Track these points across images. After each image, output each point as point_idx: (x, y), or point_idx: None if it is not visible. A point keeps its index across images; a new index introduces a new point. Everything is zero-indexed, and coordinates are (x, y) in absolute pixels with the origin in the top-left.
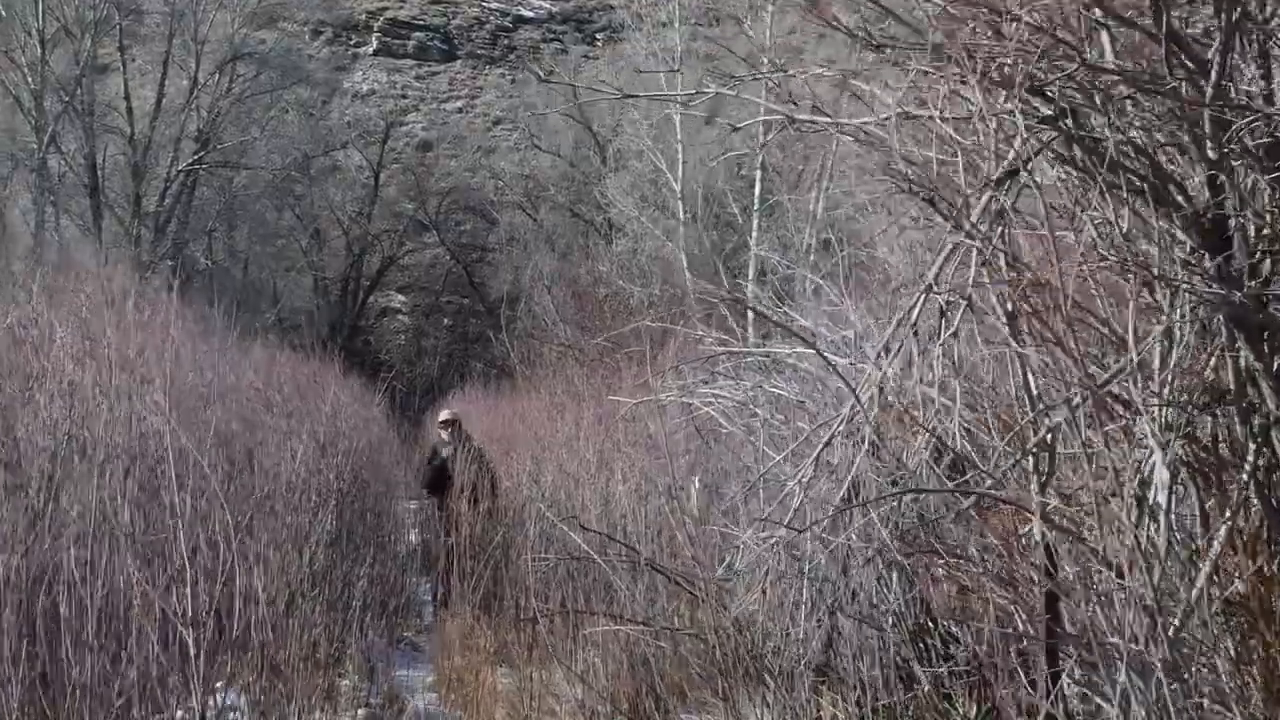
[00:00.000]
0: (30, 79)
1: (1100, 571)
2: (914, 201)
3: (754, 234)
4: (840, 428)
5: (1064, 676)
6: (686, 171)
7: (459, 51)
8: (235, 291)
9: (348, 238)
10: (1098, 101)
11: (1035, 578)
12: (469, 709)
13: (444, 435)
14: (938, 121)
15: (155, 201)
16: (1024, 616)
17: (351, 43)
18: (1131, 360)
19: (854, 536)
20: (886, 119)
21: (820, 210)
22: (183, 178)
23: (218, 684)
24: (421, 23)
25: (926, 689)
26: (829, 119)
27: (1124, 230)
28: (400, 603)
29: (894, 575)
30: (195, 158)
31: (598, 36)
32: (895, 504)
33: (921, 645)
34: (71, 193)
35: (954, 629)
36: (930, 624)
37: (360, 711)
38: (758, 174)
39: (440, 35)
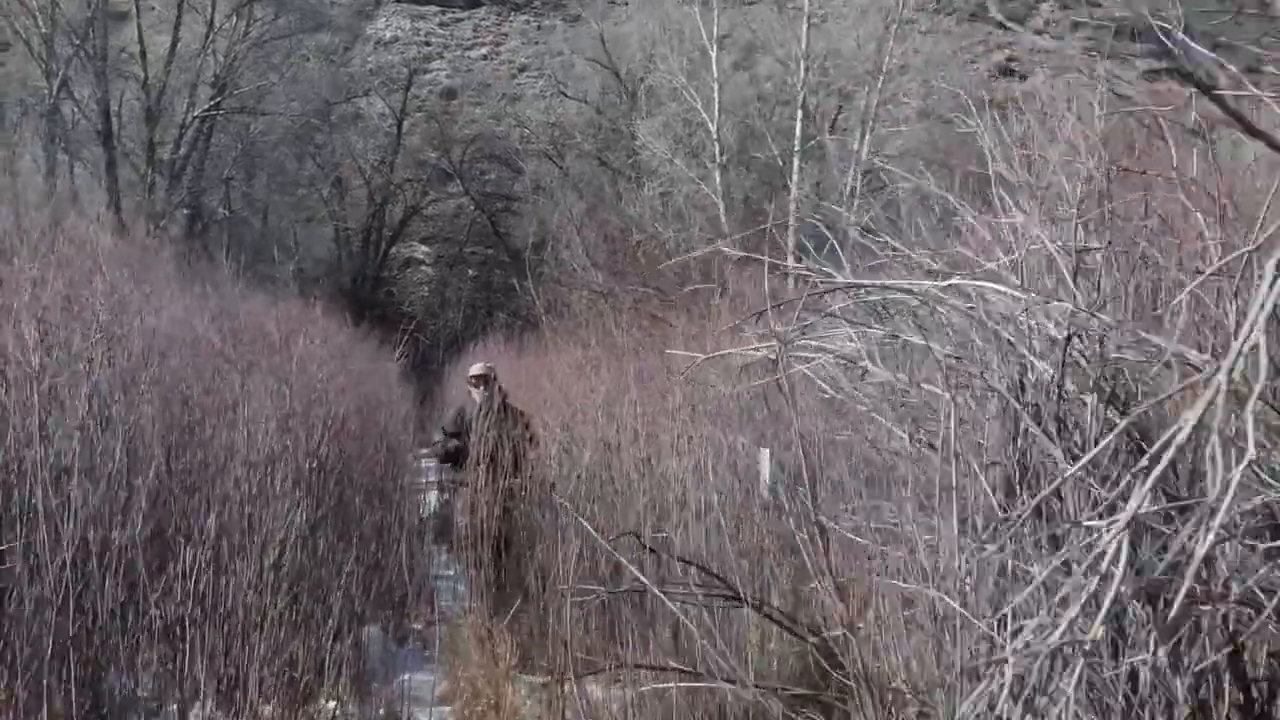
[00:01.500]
0: (41, 23)
1: None
2: None
3: (794, 176)
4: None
5: None
6: (723, 112)
7: None
8: (254, 242)
9: (370, 187)
10: None
11: None
12: None
13: (475, 394)
14: None
15: (170, 149)
16: None
17: None
18: None
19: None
20: None
21: (864, 152)
22: (199, 124)
23: None
24: None
25: None
26: None
27: None
28: (408, 592)
29: None
30: (212, 103)
31: None
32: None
33: None
34: (84, 140)
35: None
36: None
37: None
38: (798, 114)
39: None
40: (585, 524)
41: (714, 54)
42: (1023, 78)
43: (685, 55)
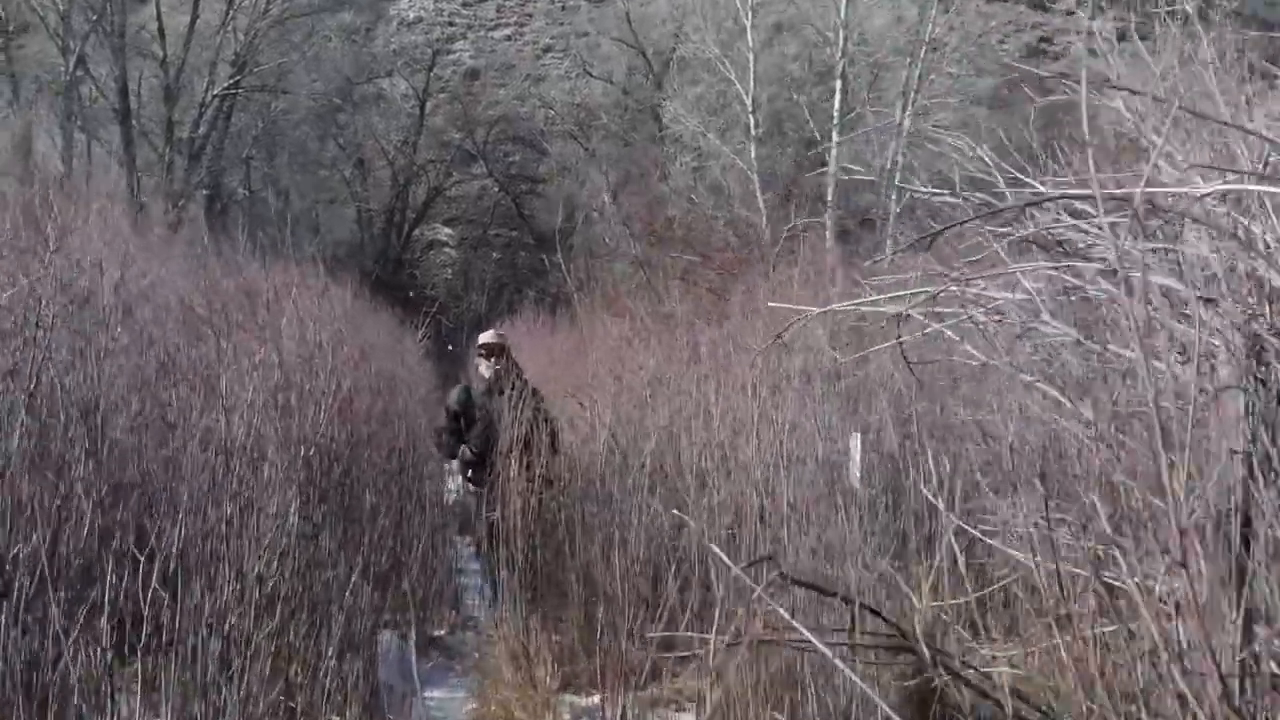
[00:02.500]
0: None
1: None
2: None
3: (833, 150)
4: None
5: None
6: (758, 83)
7: None
8: (274, 222)
9: (393, 168)
10: None
11: None
12: None
13: (484, 368)
14: None
15: (189, 128)
16: None
17: None
18: None
19: None
20: None
21: (908, 123)
22: (218, 103)
23: None
24: None
25: None
26: None
27: None
28: (429, 593)
29: None
30: (231, 81)
31: None
32: None
33: None
34: (101, 119)
35: None
36: None
37: None
38: (837, 84)
39: None
40: (717, 550)
41: (749, 22)
42: (1056, 57)
43: (719, 24)
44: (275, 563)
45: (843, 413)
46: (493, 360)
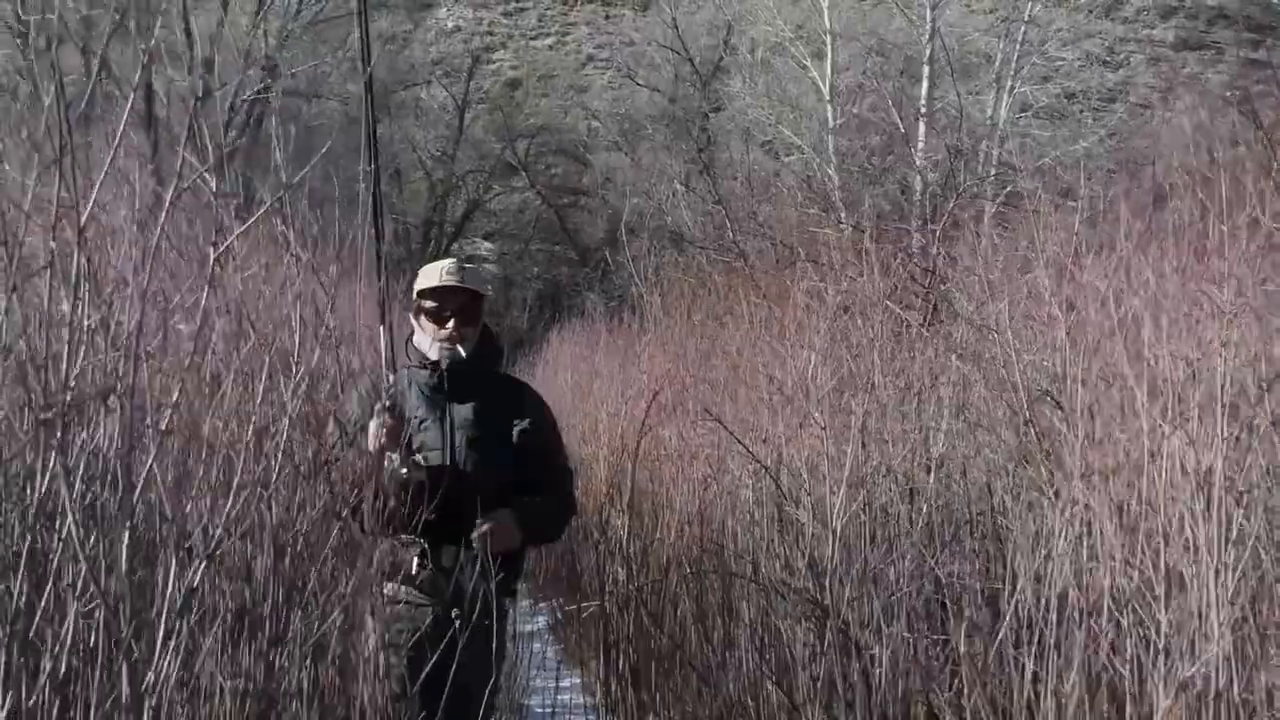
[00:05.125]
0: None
1: None
2: None
3: (920, 144)
4: None
5: None
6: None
7: None
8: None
9: (431, 179)
10: None
11: None
12: None
13: (435, 337)
14: None
15: (217, 134)
16: None
17: None
18: None
19: None
20: None
21: (1004, 111)
22: (247, 108)
23: None
24: None
25: None
26: None
27: None
28: None
29: None
30: (261, 85)
31: None
32: None
33: None
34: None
35: None
36: None
37: None
38: (924, 70)
39: None
40: None
41: (826, 2)
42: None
43: (794, 3)
44: None
45: None
46: (455, 325)
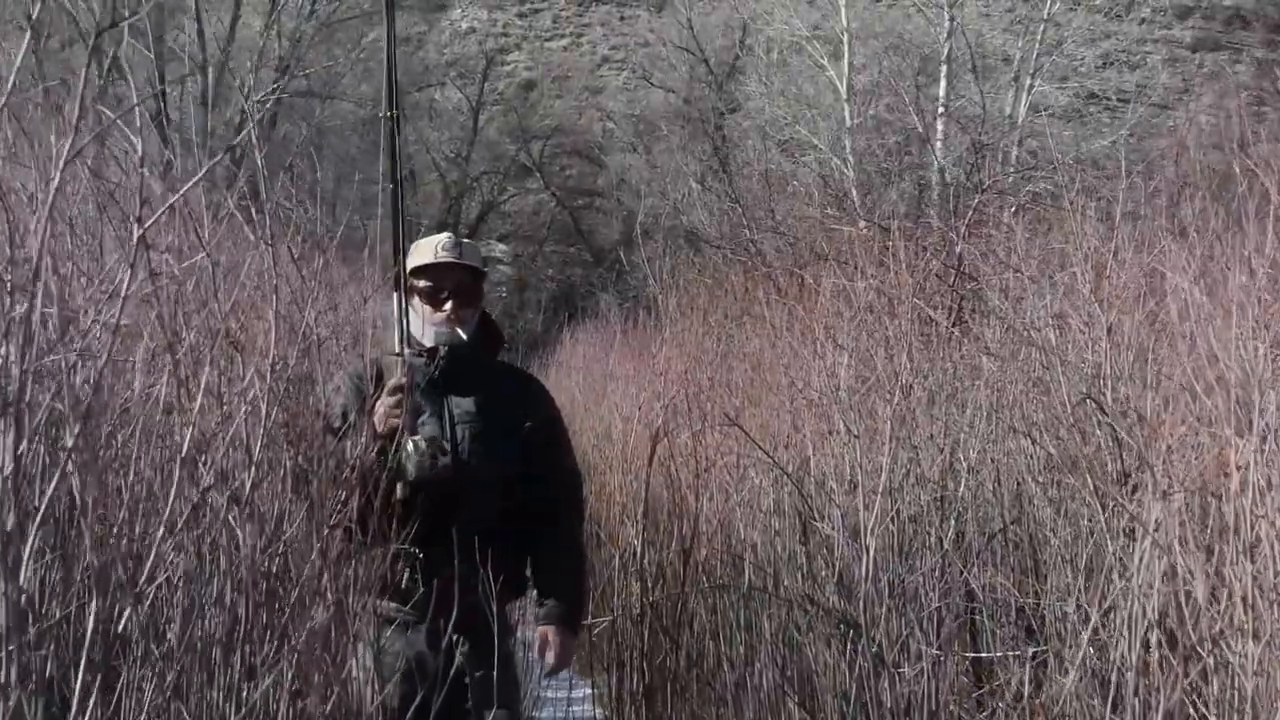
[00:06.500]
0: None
1: None
2: None
3: (938, 141)
4: None
5: None
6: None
7: None
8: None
9: (445, 181)
10: None
11: None
12: None
13: (431, 322)
14: None
15: (229, 135)
16: None
17: None
18: None
19: None
20: None
21: (1023, 110)
22: (260, 110)
23: None
24: None
25: None
26: None
27: None
28: None
29: None
30: (274, 86)
31: None
32: None
33: None
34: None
35: None
36: None
37: None
38: (942, 69)
39: None
40: None
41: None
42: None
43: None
44: None
45: None
46: (453, 307)
